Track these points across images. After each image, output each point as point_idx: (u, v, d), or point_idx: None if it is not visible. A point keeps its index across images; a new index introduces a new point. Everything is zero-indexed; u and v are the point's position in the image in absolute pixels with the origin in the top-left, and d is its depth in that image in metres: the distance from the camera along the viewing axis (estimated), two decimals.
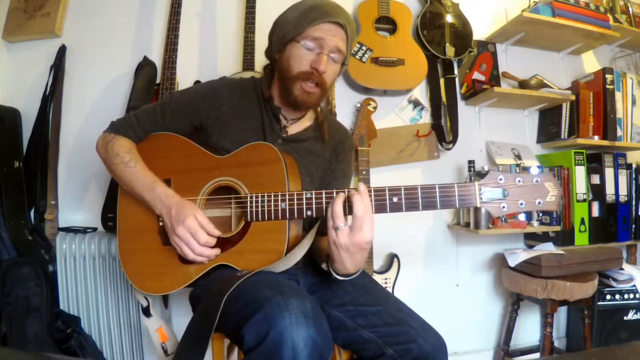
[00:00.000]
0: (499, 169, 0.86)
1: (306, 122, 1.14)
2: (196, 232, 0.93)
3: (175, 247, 0.97)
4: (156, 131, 1.08)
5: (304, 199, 0.91)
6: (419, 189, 0.85)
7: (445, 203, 0.85)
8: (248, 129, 1.06)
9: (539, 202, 0.83)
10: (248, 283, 0.83)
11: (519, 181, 0.84)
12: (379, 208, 0.87)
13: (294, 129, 1.11)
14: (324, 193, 0.90)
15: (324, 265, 0.95)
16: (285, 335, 0.69)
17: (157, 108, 1.09)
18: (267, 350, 0.69)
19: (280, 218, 0.93)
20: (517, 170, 1.91)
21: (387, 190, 0.86)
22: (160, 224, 1.01)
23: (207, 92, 1.08)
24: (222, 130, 1.05)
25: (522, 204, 0.83)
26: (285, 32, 1.02)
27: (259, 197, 0.95)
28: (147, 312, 1.24)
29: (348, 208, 0.85)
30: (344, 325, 0.94)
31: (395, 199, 0.86)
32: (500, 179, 0.84)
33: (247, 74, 1.46)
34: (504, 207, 0.84)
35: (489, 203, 0.84)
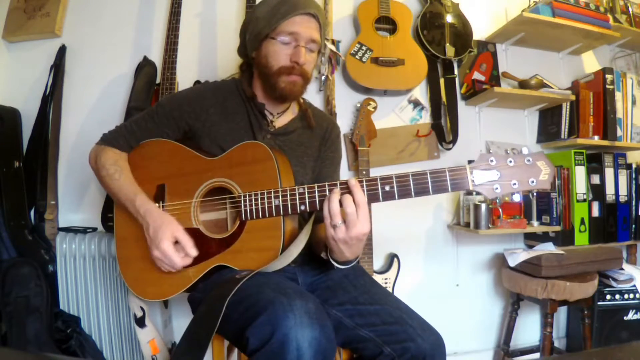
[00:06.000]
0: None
1: (291, 114, 1.16)
2: (170, 258, 0.95)
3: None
4: (147, 137, 1.08)
5: (297, 194, 0.92)
6: (411, 175, 0.85)
7: (438, 188, 0.84)
8: (236, 128, 1.07)
9: (532, 181, 0.82)
10: (249, 286, 0.83)
11: (511, 162, 0.83)
12: (372, 197, 0.87)
13: (280, 122, 1.13)
14: (316, 187, 0.91)
15: (323, 254, 0.96)
16: (290, 336, 0.69)
17: (146, 116, 1.10)
18: (272, 351, 0.69)
19: (274, 215, 0.94)
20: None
21: (378, 179, 0.86)
22: None
23: (192, 96, 1.09)
24: (212, 132, 1.06)
25: (515, 184, 0.82)
26: (259, 30, 1.03)
27: (252, 195, 0.95)
28: (140, 322, 1.23)
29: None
30: (342, 325, 0.94)
31: (387, 188, 0.86)
32: (492, 161, 0.83)
33: None
34: (496, 188, 0.83)
35: (482, 185, 0.83)
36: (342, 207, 0.85)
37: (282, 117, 1.14)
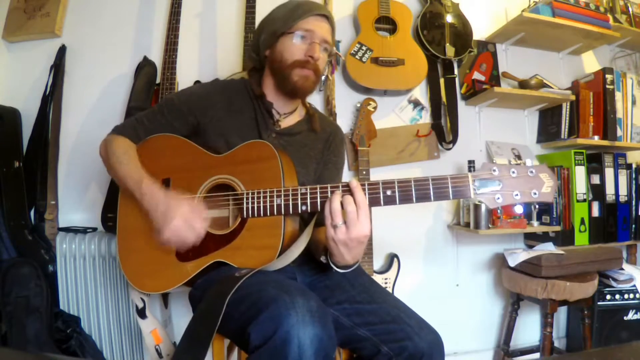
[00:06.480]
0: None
1: (297, 116, 1.18)
2: (183, 236, 0.94)
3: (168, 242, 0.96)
4: (156, 130, 1.10)
5: (299, 194, 0.92)
6: (412, 181, 0.86)
7: (439, 195, 0.85)
8: (243, 126, 1.09)
9: (535, 193, 0.82)
10: (250, 284, 0.83)
11: (513, 172, 0.83)
12: (373, 201, 0.87)
13: (286, 122, 1.15)
14: (318, 188, 0.91)
15: (322, 258, 0.96)
16: (292, 333, 0.69)
17: (156, 108, 1.13)
18: (274, 348, 0.70)
19: (275, 213, 0.94)
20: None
21: (380, 183, 0.87)
22: None
23: (202, 92, 1.12)
24: (219, 128, 1.07)
25: (517, 195, 0.83)
26: (276, 28, 1.07)
27: (255, 193, 0.96)
28: (142, 313, 1.24)
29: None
30: (340, 324, 0.94)
31: (388, 192, 0.87)
32: (494, 170, 0.84)
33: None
34: (498, 198, 0.83)
35: (483, 194, 0.84)
36: (343, 208, 0.85)
37: (289, 118, 1.15)
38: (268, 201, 0.94)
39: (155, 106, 1.14)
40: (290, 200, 0.93)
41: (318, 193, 0.91)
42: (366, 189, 0.87)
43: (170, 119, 1.09)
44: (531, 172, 0.83)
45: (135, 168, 1.03)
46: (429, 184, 0.85)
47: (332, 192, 0.89)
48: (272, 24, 1.08)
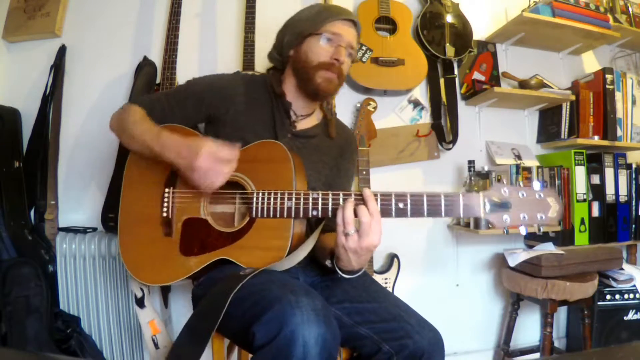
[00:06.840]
0: (497, 177, 0.88)
1: (314, 120, 1.18)
2: (218, 155, 0.90)
3: (198, 183, 0.92)
4: (168, 112, 1.07)
5: (310, 199, 0.92)
6: (425, 196, 0.87)
7: (450, 212, 0.86)
8: (259, 122, 1.08)
9: (541, 217, 0.85)
10: (254, 283, 0.83)
11: (522, 194, 0.86)
12: (385, 212, 0.88)
13: (302, 125, 1.14)
14: (330, 194, 0.91)
15: (328, 262, 0.96)
16: (297, 333, 0.69)
17: (172, 91, 1.11)
18: (278, 348, 0.70)
19: (285, 216, 0.94)
20: (517, 172, 1.90)
21: (393, 195, 0.88)
22: (164, 214, 1.01)
23: (222, 83, 1.10)
24: (235, 122, 1.07)
25: (524, 217, 0.86)
26: (302, 29, 1.07)
27: (266, 194, 0.96)
28: (140, 303, 1.24)
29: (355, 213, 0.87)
30: (341, 323, 0.94)
31: (401, 205, 0.88)
32: (504, 191, 0.86)
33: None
34: (506, 219, 0.86)
35: (492, 214, 0.86)
36: (356, 217, 0.85)
37: (306, 121, 1.15)
38: (279, 203, 0.94)
39: (175, 88, 1.13)
40: (302, 204, 0.93)
41: (330, 200, 0.91)
42: (378, 200, 0.87)
43: (184, 106, 1.07)
44: (539, 195, 0.86)
45: (152, 125, 0.99)
46: (440, 200, 0.86)
47: (344, 200, 0.89)
48: (298, 25, 1.09)
